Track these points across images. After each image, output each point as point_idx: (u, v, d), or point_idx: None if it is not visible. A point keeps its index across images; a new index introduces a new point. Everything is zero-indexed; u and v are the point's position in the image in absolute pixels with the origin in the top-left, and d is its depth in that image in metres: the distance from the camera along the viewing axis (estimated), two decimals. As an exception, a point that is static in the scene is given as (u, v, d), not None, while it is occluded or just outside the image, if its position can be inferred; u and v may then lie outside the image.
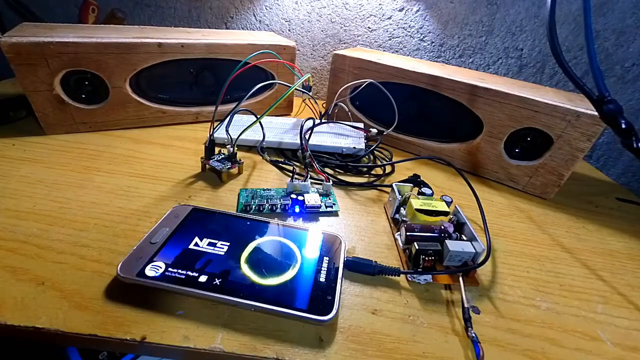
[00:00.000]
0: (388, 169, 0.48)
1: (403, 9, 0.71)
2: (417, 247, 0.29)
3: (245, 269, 0.26)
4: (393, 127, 0.50)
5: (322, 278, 0.26)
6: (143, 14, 0.76)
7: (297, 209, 0.36)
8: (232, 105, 0.43)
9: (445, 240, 0.29)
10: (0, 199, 0.32)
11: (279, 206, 0.35)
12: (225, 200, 0.37)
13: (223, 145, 0.42)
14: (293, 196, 0.37)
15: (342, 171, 0.46)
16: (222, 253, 0.27)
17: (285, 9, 0.73)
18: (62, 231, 0.30)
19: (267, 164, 0.45)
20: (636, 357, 0.25)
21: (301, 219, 0.35)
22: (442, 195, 0.35)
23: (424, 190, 0.36)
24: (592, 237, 0.39)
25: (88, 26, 0.51)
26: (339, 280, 0.26)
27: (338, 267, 0.27)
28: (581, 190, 0.50)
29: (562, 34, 0.68)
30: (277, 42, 0.55)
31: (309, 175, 0.40)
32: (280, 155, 0.49)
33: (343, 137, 0.50)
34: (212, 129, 0.40)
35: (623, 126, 0.28)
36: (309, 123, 0.45)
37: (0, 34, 0.40)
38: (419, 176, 0.42)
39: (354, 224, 0.36)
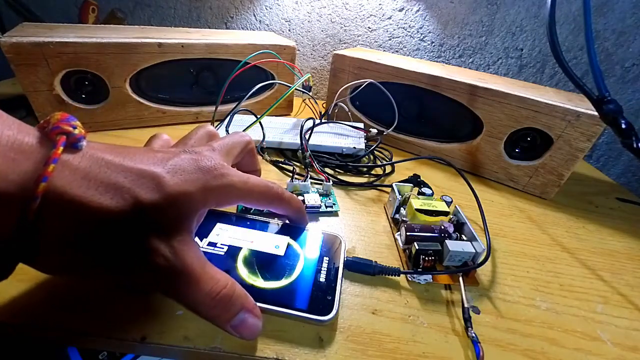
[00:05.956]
0: (388, 169, 0.48)
1: (403, 9, 0.71)
2: (417, 247, 0.29)
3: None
4: (393, 127, 0.50)
5: (322, 278, 0.26)
6: (143, 14, 0.76)
7: (297, 209, 0.36)
8: (232, 105, 0.43)
9: (445, 240, 0.29)
10: None
11: (279, 206, 0.35)
12: (225, 200, 0.37)
13: (223, 145, 0.42)
14: (293, 196, 0.37)
15: (342, 171, 0.46)
16: (222, 253, 0.27)
17: (285, 9, 0.73)
18: (62, 231, 0.29)
19: (267, 164, 0.45)
20: (636, 357, 0.25)
21: (301, 219, 0.35)
22: (442, 195, 0.35)
23: (424, 190, 0.36)
24: (592, 237, 0.39)
25: (88, 26, 0.51)
26: (339, 280, 0.26)
27: (338, 267, 0.27)
28: (581, 190, 0.50)
29: (562, 34, 0.68)
30: (277, 42, 0.55)
31: (309, 175, 0.40)
32: (280, 155, 0.48)
33: (343, 137, 0.50)
34: (212, 129, 0.40)
35: (623, 126, 0.28)
36: (309, 123, 0.45)
37: (0, 34, 0.40)
38: (419, 176, 0.42)
39: (354, 224, 0.36)
